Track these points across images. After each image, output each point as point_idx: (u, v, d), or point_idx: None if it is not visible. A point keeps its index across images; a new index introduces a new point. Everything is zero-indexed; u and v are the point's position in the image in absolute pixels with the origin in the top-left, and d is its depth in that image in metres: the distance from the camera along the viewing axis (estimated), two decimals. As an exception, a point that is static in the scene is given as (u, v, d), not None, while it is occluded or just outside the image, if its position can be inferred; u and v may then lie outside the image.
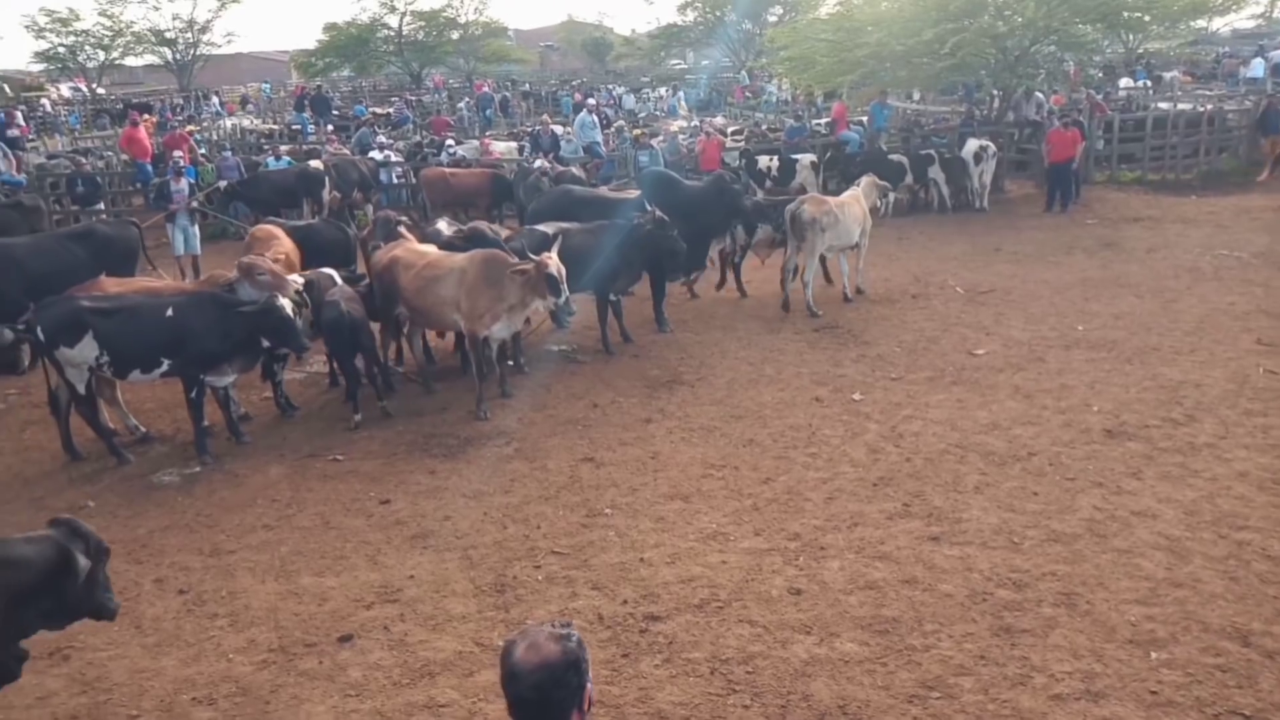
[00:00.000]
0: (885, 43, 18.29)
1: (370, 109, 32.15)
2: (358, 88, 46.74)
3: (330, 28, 45.27)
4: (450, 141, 21.34)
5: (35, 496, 7.72)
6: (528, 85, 44.15)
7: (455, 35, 45.17)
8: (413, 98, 38.01)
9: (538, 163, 17.27)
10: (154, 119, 27.54)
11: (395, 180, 19.35)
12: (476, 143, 22.05)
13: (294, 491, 7.58)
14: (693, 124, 22.95)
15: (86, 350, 7.97)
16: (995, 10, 18.08)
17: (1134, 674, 4.95)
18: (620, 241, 10.33)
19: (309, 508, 7.28)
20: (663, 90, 36.16)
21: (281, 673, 5.32)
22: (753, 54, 45.40)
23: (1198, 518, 6.45)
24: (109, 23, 44.32)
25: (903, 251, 14.50)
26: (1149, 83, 28.19)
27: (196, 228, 14.77)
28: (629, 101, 33.10)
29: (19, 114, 31.11)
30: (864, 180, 12.61)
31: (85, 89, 46.20)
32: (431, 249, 9.65)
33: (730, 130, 22.32)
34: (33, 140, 28.86)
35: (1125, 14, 19.58)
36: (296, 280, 9.18)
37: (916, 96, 26.39)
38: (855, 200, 12.00)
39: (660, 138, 19.87)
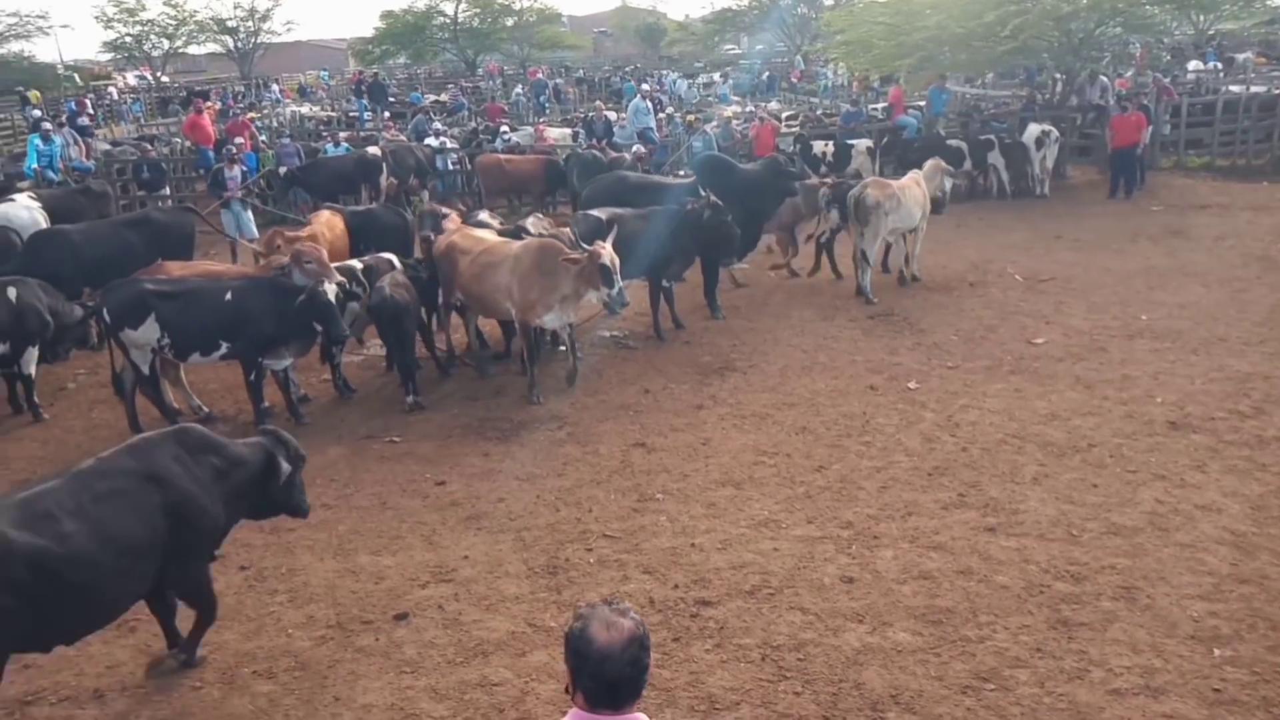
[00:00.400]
0: (945, 25, 17.96)
1: (426, 96, 32.41)
2: (413, 75, 47.15)
3: (387, 15, 45.79)
4: (505, 128, 21.45)
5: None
6: (581, 71, 44.17)
7: (510, 22, 45.38)
8: (468, 85, 38.24)
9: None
10: (216, 106, 28.05)
11: (451, 167, 19.51)
12: (531, 129, 22.14)
13: (352, 472, 7.72)
14: (747, 109, 22.76)
15: (149, 332, 8.20)
16: (1059, -9, 17.66)
17: (1196, 671, 4.84)
18: (673, 227, 10.29)
19: (366, 488, 7.41)
20: (716, 75, 35.90)
21: (339, 648, 5.43)
22: (808, 38, 44.92)
23: (1265, 513, 6.27)
24: (173, 12, 45.33)
25: (961, 238, 14.25)
26: (1219, 65, 27.28)
27: (249, 212, 15.09)
28: (680, 87, 32.90)
29: (89, 102, 31.94)
30: (928, 163, 12.42)
31: (150, 77, 47.28)
32: (489, 235, 9.69)
33: (785, 115, 22.11)
34: (99, 127, 29.61)
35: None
36: (355, 265, 9.34)
37: (981, 80, 25.86)
38: (915, 183, 11.83)
39: (714, 123, 19.76)
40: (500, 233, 9.97)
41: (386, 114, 27.77)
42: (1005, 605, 5.45)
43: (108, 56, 49.07)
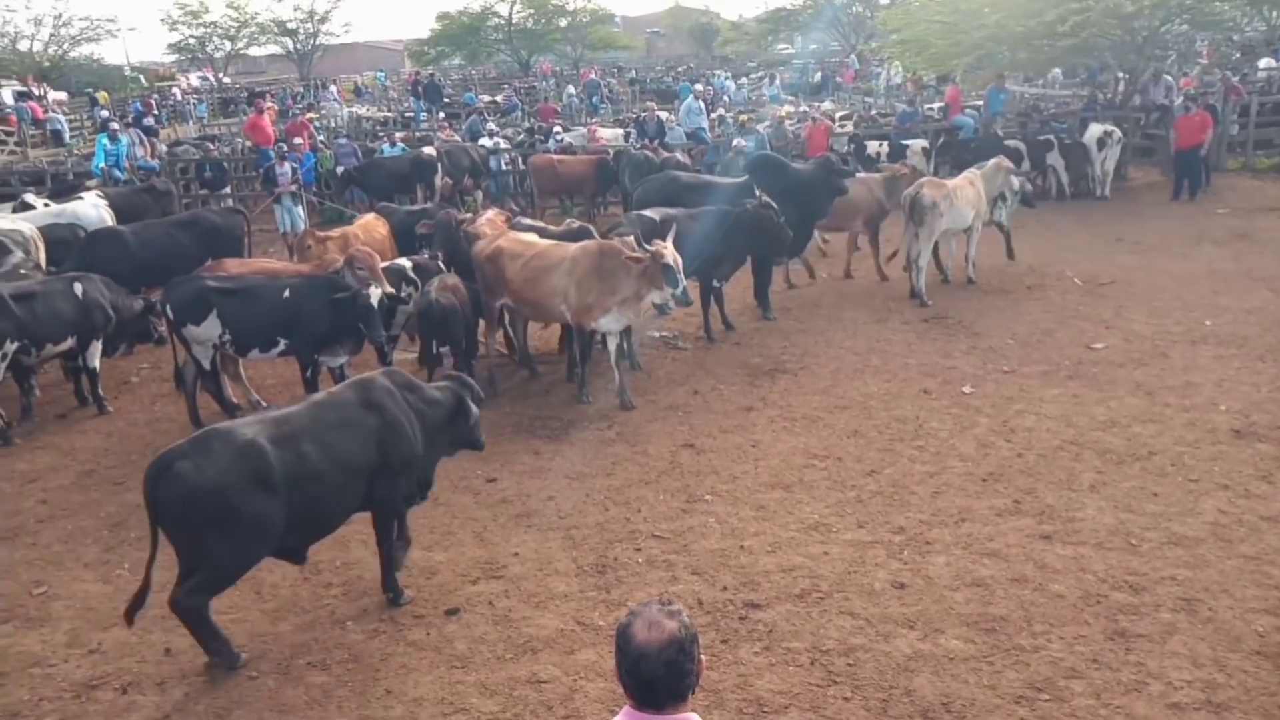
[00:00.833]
0: (1004, 24, 17.68)
1: (480, 97, 32.70)
2: (468, 76, 47.64)
3: (443, 17, 46.44)
4: (558, 128, 21.55)
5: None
6: (634, 71, 44.23)
7: (563, 23, 45.73)
8: (522, 85, 38.51)
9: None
10: (275, 107, 28.60)
11: (504, 167, 19.65)
12: (583, 129, 22.21)
13: (404, 468, 7.80)
14: (800, 109, 22.59)
15: (211, 328, 8.38)
16: (1123, -12, 17.27)
17: (1261, 687, 4.71)
18: (725, 227, 10.25)
19: (418, 484, 7.49)
20: (763, 75, 35.62)
21: (391, 642, 5.51)
22: (863, 37, 44.52)
23: (1335, 525, 6.08)
24: (235, 14, 46.42)
25: (1018, 241, 13.94)
26: (1291, 63, 26.45)
27: (301, 208, 15.40)
28: (729, 88, 32.61)
29: (154, 102, 32.75)
30: (990, 163, 12.22)
31: (212, 78, 48.41)
32: (536, 239, 9.65)
33: (839, 115, 21.92)
34: (163, 127, 30.34)
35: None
36: (404, 264, 9.43)
37: (1043, 80, 25.36)
38: (969, 183, 11.65)
39: (766, 123, 19.66)
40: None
41: (441, 114, 28.07)
42: (1061, 614, 5.35)
43: (172, 58, 50.44)
